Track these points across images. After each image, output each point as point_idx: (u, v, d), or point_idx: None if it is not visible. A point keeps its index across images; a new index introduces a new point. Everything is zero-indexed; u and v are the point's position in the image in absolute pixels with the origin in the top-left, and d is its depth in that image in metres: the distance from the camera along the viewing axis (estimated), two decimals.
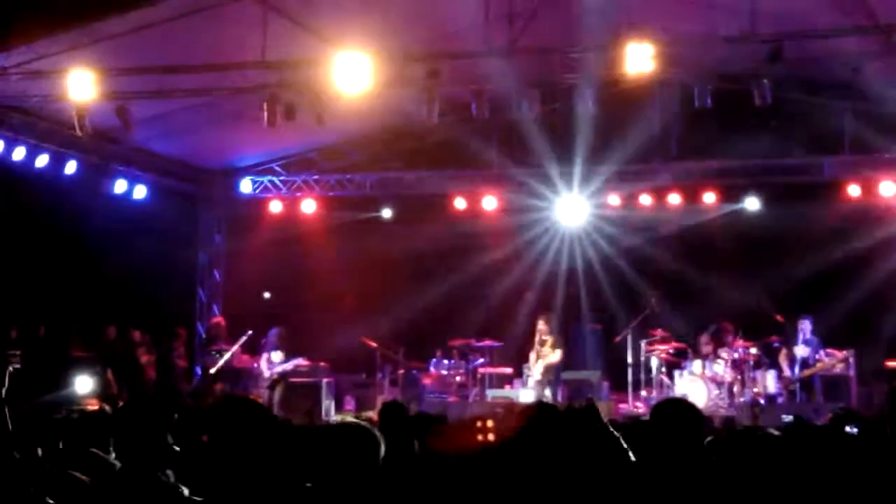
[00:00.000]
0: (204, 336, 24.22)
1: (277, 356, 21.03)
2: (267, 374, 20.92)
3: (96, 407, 16.13)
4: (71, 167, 20.48)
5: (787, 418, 14.89)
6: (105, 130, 19.14)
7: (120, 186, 21.84)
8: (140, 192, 22.34)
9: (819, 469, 6.48)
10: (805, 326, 20.81)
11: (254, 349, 21.49)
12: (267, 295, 24.60)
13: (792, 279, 22.03)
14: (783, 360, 21.20)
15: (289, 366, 20.98)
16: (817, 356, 20.75)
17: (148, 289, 21.50)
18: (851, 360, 20.81)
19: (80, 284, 20.89)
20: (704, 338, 21.95)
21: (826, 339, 20.91)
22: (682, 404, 6.65)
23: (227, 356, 21.54)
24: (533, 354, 20.88)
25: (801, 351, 20.80)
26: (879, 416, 9.83)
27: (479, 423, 5.98)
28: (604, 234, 24.07)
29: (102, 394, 18.86)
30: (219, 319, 23.60)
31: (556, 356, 20.64)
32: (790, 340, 21.08)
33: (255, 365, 21.35)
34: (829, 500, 6.08)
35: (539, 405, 5.76)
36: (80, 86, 16.78)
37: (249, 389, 21.00)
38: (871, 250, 22.06)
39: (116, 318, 21.38)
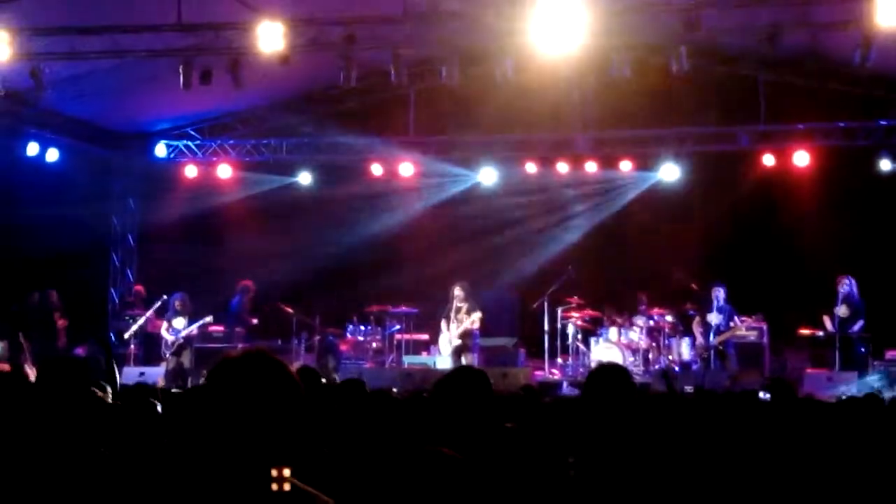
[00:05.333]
0: (118, 302, 24.16)
1: (180, 322, 21.16)
2: (171, 340, 21.00)
3: (7, 368, 16.13)
4: None
5: (688, 389, 15.24)
6: (17, 92, 18.93)
7: (32, 149, 21.63)
8: (53, 155, 22.11)
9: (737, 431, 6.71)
10: (719, 294, 21.08)
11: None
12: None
13: (707, 247, 22.37)
14: (697, 328, 21.52)
15: (193, 329, 21.09)
16: (731, 323, 21.08)
17: (61, 253, 21.32)
18: (764, 327, 21.21)
19: None
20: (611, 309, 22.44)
21: (740, 306, 21.22)
22: (616, 370, 6.85)
23: (140, 321, 21.55)
24: (444, 322, 21.03)
25: (714, 318, 21.08)
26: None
27: None
28: (520, 201, 24.22)
29: (13, 356, 18.82)
30: (139, 287, 23.52)
31: (475, 320, 20.82)
32: (704, 308, 21.38)
33: (157, 332, 21.49)
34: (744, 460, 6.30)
35: None
36: None
37: (162, 353, 21.08)
38: (785, 219, 22.46)
39: (29, 283, 21.21)
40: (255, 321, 22.65)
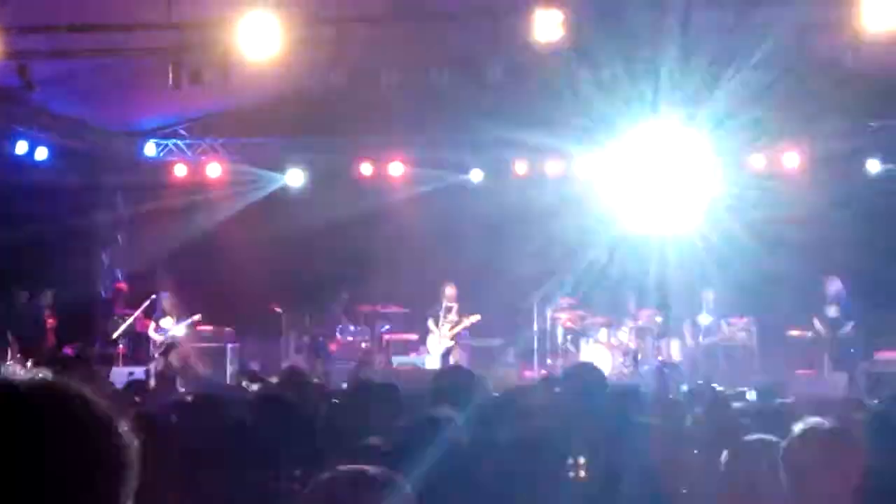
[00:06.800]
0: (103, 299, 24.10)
1: (167, 322, 21.11)
2: (159, 340, 20.96)
3: None
4: None
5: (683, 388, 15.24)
6: (6, 90, 18.88)
7: (21, 148, 21.54)
8: (41, 153, 22.01)
9: None
10: (708, 296, 21.12)
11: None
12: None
13: (695, 248, 22.33)
14: (686, 329, 21.53)
15: (180, 328, 21.06)
16: (719, 325, 21.10)
17: (50, 253, 21.28)
18: (753, 329, 21.22)
19: None
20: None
21: (728, 308, 21.23)
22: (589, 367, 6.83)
23: (129, 321, 21.50)
24: (433, 321, 20.95)
25: (704, 320, 21.11)
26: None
27: None
28: (512, 199, 24.07)
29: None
30: (121, 285, 23.47)
31: (475, 318, 20.75)
32: (694, 310, 21.38)
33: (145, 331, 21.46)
34: None
35: None
36: None
37: (150, 353, 21.04)
38: (774, 221, 22.38)
39: (17, 282, 21.14)
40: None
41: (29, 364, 16.89)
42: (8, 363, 14.64)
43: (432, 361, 20.88)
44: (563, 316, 22.31)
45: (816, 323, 20.27)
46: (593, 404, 6.68)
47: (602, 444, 6.31)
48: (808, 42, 17.59)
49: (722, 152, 22.35)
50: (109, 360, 21.08)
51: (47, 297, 21.25)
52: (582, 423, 6.43)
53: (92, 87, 20.09)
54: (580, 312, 22.49)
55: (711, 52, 19.50)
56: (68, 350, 20.99)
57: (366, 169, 23.89)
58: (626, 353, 21.75)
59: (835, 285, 20.20)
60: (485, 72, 17.66)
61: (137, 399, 10.06)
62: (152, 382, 18.56)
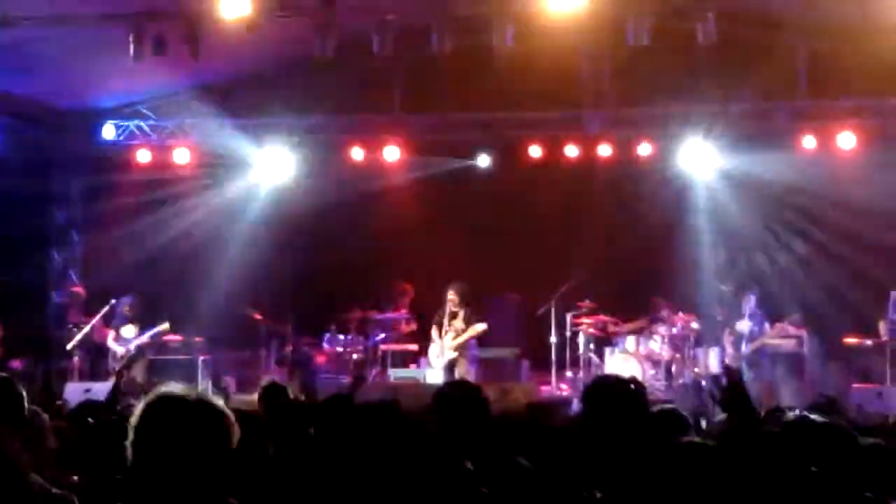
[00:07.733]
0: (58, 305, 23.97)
1: (129, 331, 21.00)
2: (120, 351, 20.84)
3: None
4: None
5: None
6: None
7: None
8: None
9: None
10: (750, 301, 20.99)
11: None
12: None
13: (735, 245, 22.23)
14: (727, 338, 21.39)
15: (145, 338, 20.96)
16: (763, 331, 20.97)
17: None
18: (805, 335, 21.06)
19: None
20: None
21: (776, 313, 21.08)
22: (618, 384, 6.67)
23: (85, 329, 21.37)
24: (436, 329, 20.85)
25: (744, 326, 21.00)
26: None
27: None
28: (523, 190, 23.93)
29: None
30: (77, 289, 23.34)
31: (480, 328, 20.62)
32: (734, 316, 21.26)
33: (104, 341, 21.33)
34: None
35: None
36: None
37: (110, 367, 20.92)
38: (827, 210, 22.18)
39: None
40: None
41: None
42: None
43: (434, 375, 20.74)
44: (585, 322, 22.20)
45: (882, 328, 20.09)
46: (621, 426, 6.53)
47: (633, 473, 6.16)
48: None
49: (764, 131, 22.17)
50: (63, 375, 20.97)
51: None
52: (608, 449, 6.29)
53: (41, 61, 19.93)
54: (604, 318, 22.39)
55: None
56: (16, 364, 20.90)
57: (356, 153, 23.72)
58: (657, 365, 21.64)
59: None
60: (494, 38, 17.51)
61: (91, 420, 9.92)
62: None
